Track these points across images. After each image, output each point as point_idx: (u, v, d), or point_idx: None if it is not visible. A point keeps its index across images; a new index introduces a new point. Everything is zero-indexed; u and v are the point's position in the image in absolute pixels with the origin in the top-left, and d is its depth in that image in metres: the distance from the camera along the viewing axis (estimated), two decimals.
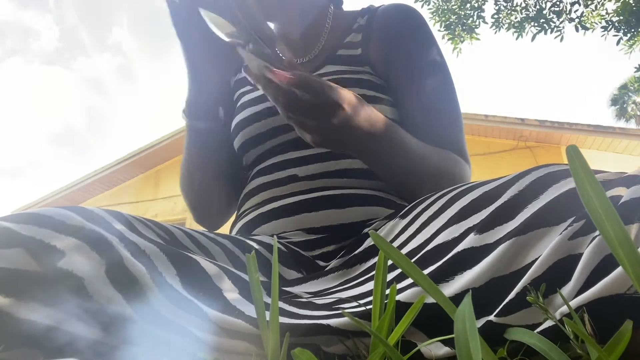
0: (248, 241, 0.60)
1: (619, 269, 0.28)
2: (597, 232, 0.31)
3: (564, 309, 0.30)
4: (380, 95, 0.74)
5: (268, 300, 0.46)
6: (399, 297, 0.39)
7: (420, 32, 0.77)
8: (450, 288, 0.38)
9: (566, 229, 0.33)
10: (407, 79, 0.75)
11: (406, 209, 0.55)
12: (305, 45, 0.82)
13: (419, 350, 0.36)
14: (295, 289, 0.52)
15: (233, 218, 0.81)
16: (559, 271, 0.32)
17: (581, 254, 0.31)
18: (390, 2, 0.83)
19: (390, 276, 0.45)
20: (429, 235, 0.45)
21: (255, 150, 0.76)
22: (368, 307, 0.40)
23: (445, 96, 0.75)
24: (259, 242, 0.61)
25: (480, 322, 0.35)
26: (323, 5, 0.84)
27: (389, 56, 0.76)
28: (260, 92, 0.77)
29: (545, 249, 0.33)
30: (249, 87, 0.82)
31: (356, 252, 0.56)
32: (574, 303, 0.29)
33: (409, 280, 0.42)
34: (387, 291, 0.41)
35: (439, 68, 0.76)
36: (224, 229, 0.81)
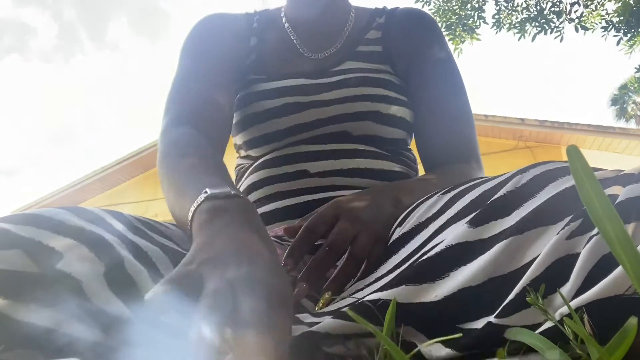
0: None
1: (618, 270, 0.28)
2: (594, 232, 0.31)
3: (564, 309, 0.30)
4: (401, 97, 0.75)
5: None
6: (383, 294, 0.39)
7: (441, 38, 0.82)
8: (446, 286, 0.37)
9: (563, 228, 0.33)
10: (430, 84, 0.76)
11: (407, 211, 0.54)
12: (328, 40, 0.81)
13: (419, 351, 0.36)
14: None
15: None
16: (557, 271, 0.32)
17: (579, 254, 0.31)
18: (401, 5, 0.87)
19: (386, 279, 0.45)
20: (427, 236, 0.45)
21: (270, 145, 0.73)
22: (361, 299, 0.39)
23: (461, 100, 0.77)
24: None
25: (481, 323, 0.35)
26: (348, 3, 0.85)
27: (411, 60, 0.77)
28: (279, 83, 0.74)
29: (542, 248, 0.33)
30: (262, 76, 0.77)
31: None
32: (573, 304, 0.29)
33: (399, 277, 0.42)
34: (388, 293, 0.41)
35: (455, 73, 0.79)
36: None
